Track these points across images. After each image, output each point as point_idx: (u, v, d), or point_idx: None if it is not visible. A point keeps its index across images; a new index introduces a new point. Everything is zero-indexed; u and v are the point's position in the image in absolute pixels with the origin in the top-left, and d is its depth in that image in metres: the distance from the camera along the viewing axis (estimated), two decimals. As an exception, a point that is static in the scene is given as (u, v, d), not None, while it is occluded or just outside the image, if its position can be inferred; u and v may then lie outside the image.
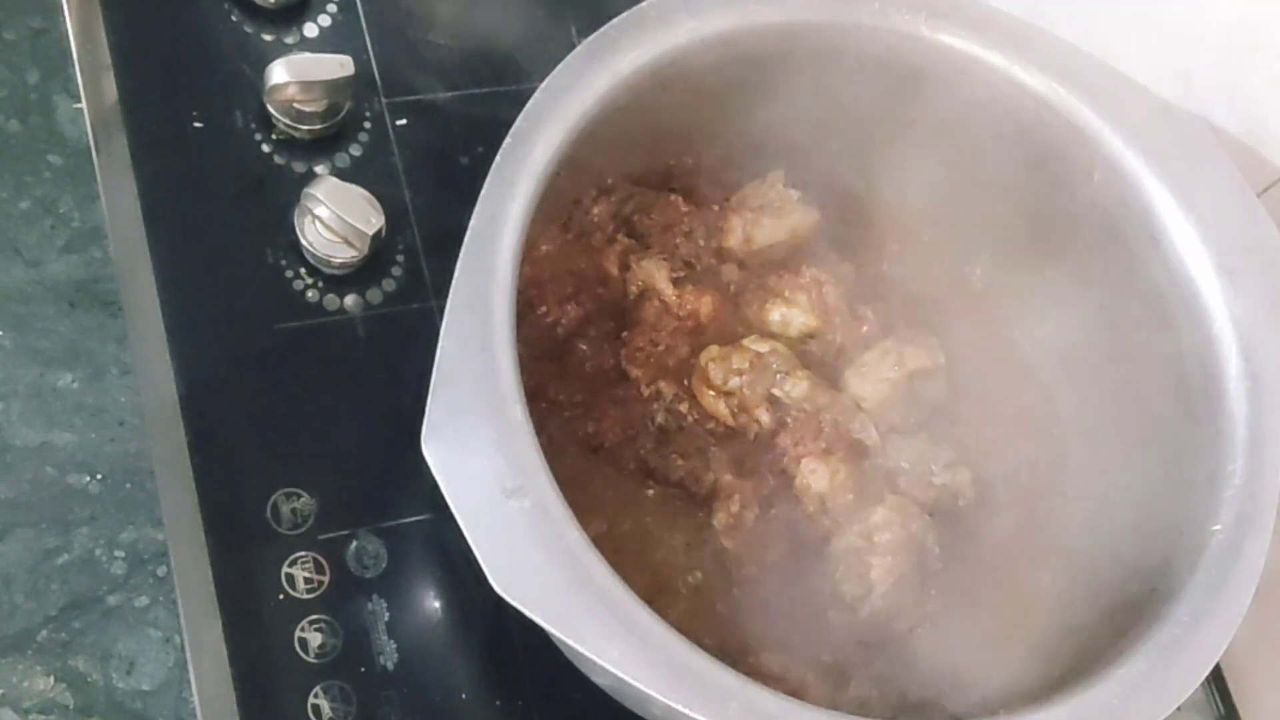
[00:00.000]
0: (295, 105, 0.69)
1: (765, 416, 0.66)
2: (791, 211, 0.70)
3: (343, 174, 0.69)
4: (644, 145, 0.69)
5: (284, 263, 0.68)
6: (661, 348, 0.67)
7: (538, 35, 0.77)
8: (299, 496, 0.63)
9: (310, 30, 0.73)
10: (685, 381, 0.67)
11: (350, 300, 0.68)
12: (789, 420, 0.67)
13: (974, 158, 0.70)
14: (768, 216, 0.70)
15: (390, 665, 0.61)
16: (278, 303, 0.67)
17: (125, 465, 0.61)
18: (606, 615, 0.50)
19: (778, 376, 0.66)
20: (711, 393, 0.66)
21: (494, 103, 0.73)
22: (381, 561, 0.63)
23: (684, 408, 0.66)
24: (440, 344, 0.53)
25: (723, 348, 0.66)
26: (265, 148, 0.70)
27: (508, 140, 0.58)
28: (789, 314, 0.69)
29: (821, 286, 0.70)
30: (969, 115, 0.68)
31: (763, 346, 0.67)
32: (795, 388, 0.66)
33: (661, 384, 0.66)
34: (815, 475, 0.65)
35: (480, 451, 0.51)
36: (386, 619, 0.62)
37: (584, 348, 0.67)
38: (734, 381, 0.66)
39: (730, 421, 0.66)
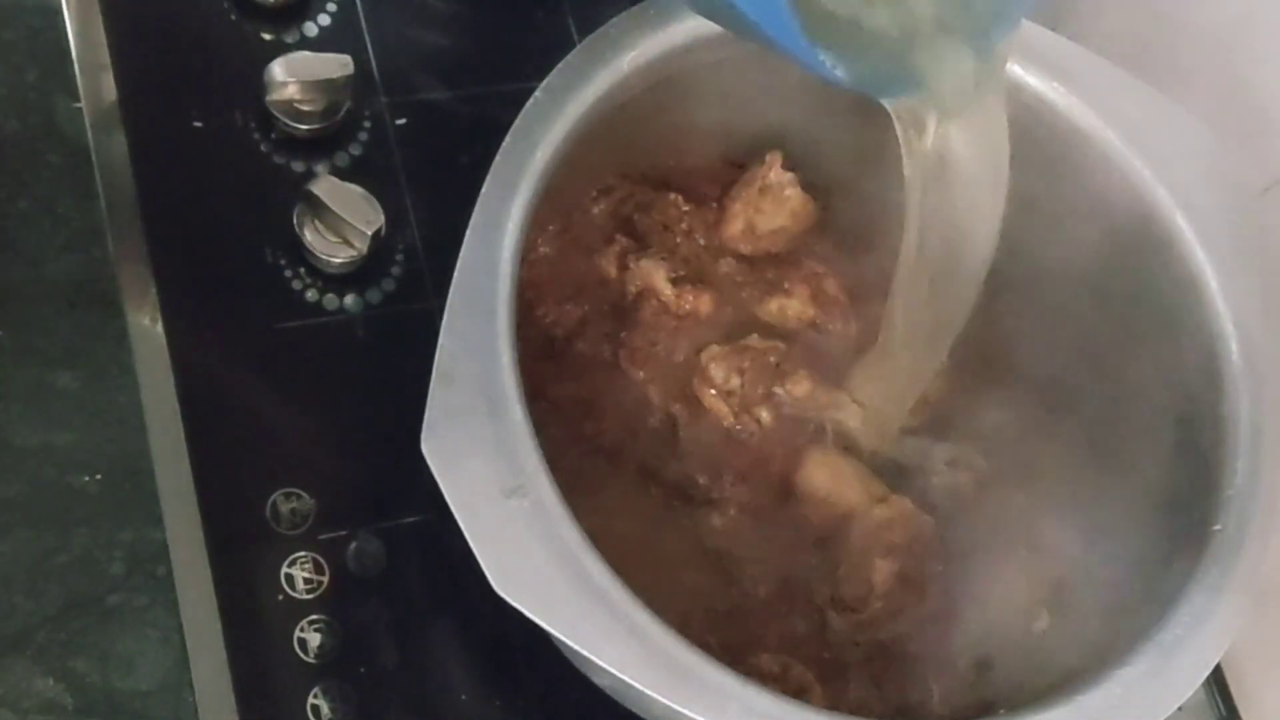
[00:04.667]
0: (295, 105, 0.69)
1: (765, 416, 0.66)
2: (792, 196, 0.70)
3: (343, 174, 0.69)
4: (644, 145, 0.69)
5: (284, 263, 0.68)
6: (661, 348, 0.67)
7: (538, 35, 0.77)
8: (299, 496, 0.63)
9: (310, 30, 0.73)
10: (685, 382, 0.67)
11: (350, 300, 0.68)
12: (789, 420, 0.67)
13: (974, 158, 0.70)
14: (768, 201, 0.70)
15: (390, 665, 0.61)
16: (278, 303, 0.67)
17: (125, 465, 0.61)
18: (606, 615, 0.50)
19: (778, 376, 0.66)
20: (712, 392, 0.66)
21: (494, 103, 0.73)
22: (381, 561, 0.63)
23: (684, 408, 0.66)
24: (440, 344, 0.53)
25: (723, 347, 0.66)
26: (265, 148, 0.70)
27: (508, 140, 0.58)
28: (787, 304, 0.69)
29: (820, 279, 0.70)
30: (969, 115, 0.68)
31: (763, 345, 0.67)
32: (796, 387, 0.66)
33: (661, 384, 0.66)
34: (815, 474, 0.65)
35: (480, 451, 0.51)
36: (386, 619, 0.62)
37: (583, 348, 0.67)
38: (734, 381, 0.66)
39: (730, 421, 0.66)
